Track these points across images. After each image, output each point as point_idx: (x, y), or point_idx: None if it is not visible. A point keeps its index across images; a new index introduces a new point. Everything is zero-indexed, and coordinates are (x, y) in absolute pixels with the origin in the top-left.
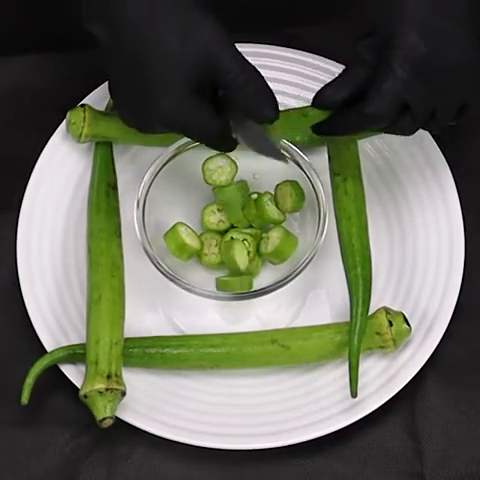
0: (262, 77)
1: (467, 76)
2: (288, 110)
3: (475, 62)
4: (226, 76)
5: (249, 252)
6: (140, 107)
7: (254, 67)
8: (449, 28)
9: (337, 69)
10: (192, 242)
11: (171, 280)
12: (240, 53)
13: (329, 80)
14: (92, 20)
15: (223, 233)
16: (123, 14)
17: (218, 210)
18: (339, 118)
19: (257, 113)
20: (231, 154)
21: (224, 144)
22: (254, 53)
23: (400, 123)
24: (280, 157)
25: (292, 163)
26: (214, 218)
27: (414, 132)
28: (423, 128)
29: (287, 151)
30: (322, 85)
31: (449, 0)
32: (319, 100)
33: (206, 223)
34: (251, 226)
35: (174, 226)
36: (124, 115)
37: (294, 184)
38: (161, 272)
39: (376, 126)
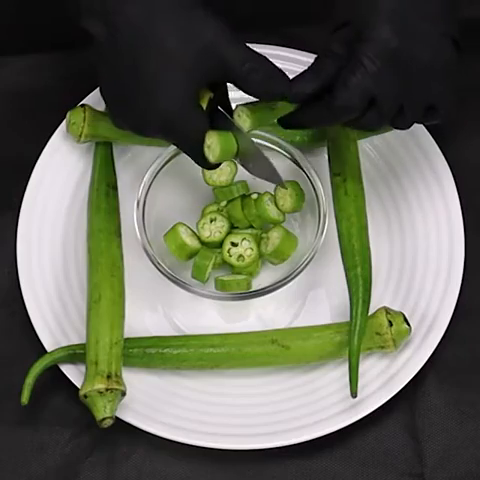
0: (271, 62)
1: (436, 76)
2: (254, 103)
3: (445, 63)
4: (234, 67)
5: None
6: (134, 109)
7: (262, 55)
8: (422, 26)
9: None
10: (192, 242)
11: (171, 280)
12: (245, 44)
13: None
14: (89, 18)
15: (219, 245)
16: (122, 13)
17: (211, 221)
18: (307, 111)
19: (272, 92)
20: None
21: (208, 163)
22: None
23: (367, 117)
24: (279, 180)
25: (292, 163)
26: (207, 231)
27: (380, 127)
28: (391, 125)
29: (287, 151)
30: None
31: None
32: (288, 93)
33: (201, 237)
34: (251, 226)
35: (174, 226)
36: (117, 116)
37: (294, 184)
38: (161, 272)
39: (343, 119)
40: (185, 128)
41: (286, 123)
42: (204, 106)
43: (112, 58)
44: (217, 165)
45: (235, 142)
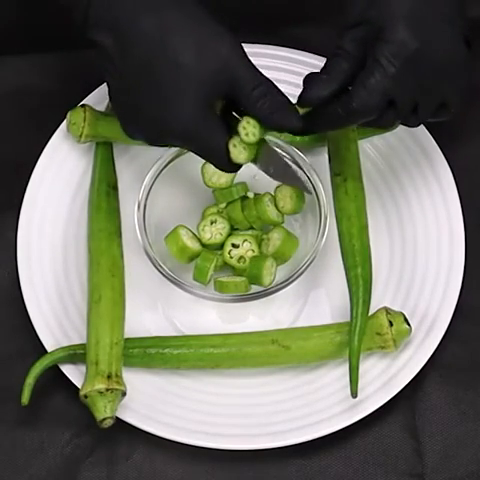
0: (279, 89)
1: (452, 75)
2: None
3: (460, 62)
4: (245, 90)
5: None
6: (149, 121)
7: (272, 82)
8: (438, 27)
9: None
10: (193, 245)
11: (172, 282)
12: (255, 66)
13: None
14: (97, 28)
15: (220, 247)
16: (134, 25)
17: (211, 223)
18: (322, 114)
19: (279, 124)
20: None
21: (231, 166)
22: (254, 53)
23: (384, 118)
24: (304, 186)
25: (292, 164)
26: (208, 233)
27: (395, 126)
28: (402, 123)
29: (287, 152)
30: None
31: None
32: (305, 98)
33: (202, 240)
34: (252, 227)
35: (175, 229)
36: (129, 126)
37: (294, 186)
38: (162, 274)
39: (361, 121)
40: (205, 138)
41: (313, 125)
42: (218, 111)
43: (124, 70)
44: (237, 169)
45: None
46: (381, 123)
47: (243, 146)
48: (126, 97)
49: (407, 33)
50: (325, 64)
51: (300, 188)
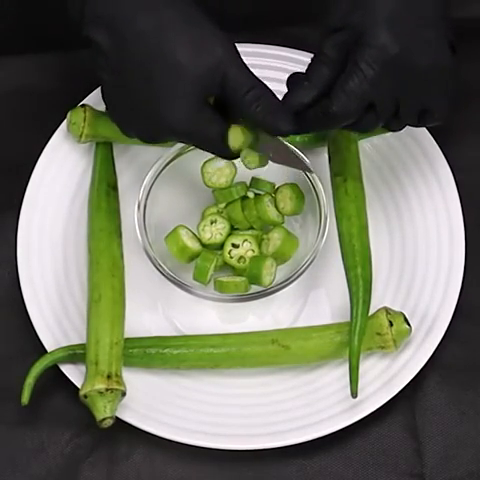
0: (272, 92)
1: (434, 80)
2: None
3: (443, 68)
4: (238, 93)
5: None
6: (145, 118)
7: (264, 85)
8: (420, 31)
9: None
10: (193, 245)
11: (172, 282)
12: (248, 68)
13: None
14: (94, 26)
15: (220, 247)
16: (131, 24)
17: (211, 222)
18: (304, 117)
19: (272, 127)
20: None
21: (230, 153)
22: (254, 53)
23: (364, 121)
24: (303, 166)
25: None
26: (208, 233)
27: (374, 129)
28: (384, 126)
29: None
30: None
31: (421, 3)
32: (288, 104)
33: (202, 240)
34: (252, 227)
35: (175, 229)
36: (124, 124)
37: (294, 187)
38: (162, 274)
39: (341, 124)
40: (201, 130)
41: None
42: (211, 101)
43: (120, 68)
44: (238, 155)
45: (248, 131)
46: (361, 126)
47: (241, 131)
48: (121, 95)
49: (388, 37)
50: (307, 69)
51: (302, 169)
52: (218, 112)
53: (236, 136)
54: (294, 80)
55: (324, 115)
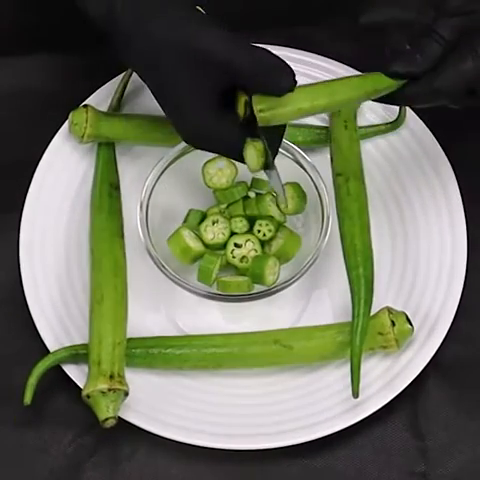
0: (271, 53)
1: None
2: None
3: None
4: (234, 69)
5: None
6: (171, 121)
7: (261, 48)
8: None
9: (337, 68)
10: (196, 246)
11: (175, 282)
12: (242, 40)
13: None
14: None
15: (223, 247)
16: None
17: (213, 223)
18: (410, 88)
19: (273, 85)
20: None
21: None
22: None
23: (462, 104)
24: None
25: (294, 163)
26: (210, 233)
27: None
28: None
29: (289, 151)
30: None
31: None
32: (395, 70)
33: (205, 240)
34: (250, 231)
35: (177, 230)
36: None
37: (295, 186)
38: (165, 274)
39: (438, 102)
40: (216, 141)
41: (388, 99)
42: (241, 109)
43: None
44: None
45: (265, 153)
46: (455, 105)
47: (256, 153)
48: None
49: None
50: (415, 44)
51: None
52: (234, 117)
53: (252, 157)
54: (402, 52)
55: (428, 90)
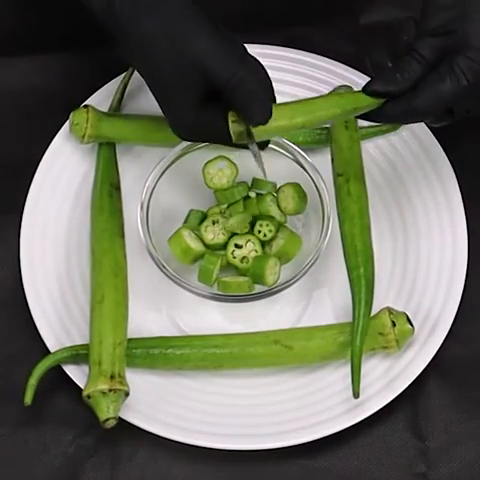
0: (256, 77)
1: None
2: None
3: None
4: (220, 82)
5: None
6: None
7: (252, 65)
8: None
9: (338, 69)
10: (196, 246)
11: (176, 282)
12: (234, 52)
13: (330, 80)
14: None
15: (223, 247)
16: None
17: (213, 223)
18: (389, 107)
19: (247, 117)
20: (231, 156)
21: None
22: (254, 53)
23: (437, 123)
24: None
25: (295, 164)
26: (211, 233)
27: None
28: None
29: (290, 152)
30: (323, 85)
31: None
32: (374, 90)
33: (205, 240)
34: (250, 232)
35: (178, 230)
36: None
37: (296, 186)
38: (165, 274)
39: (417, 121)
40: (207, 131)
41: (368, 117)
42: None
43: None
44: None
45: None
46: (432, 123)
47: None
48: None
49: None
50: (398, 63)
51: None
52: (217, 105)
53: (233, 125)
54: (380, 66)
55: (406, 109)
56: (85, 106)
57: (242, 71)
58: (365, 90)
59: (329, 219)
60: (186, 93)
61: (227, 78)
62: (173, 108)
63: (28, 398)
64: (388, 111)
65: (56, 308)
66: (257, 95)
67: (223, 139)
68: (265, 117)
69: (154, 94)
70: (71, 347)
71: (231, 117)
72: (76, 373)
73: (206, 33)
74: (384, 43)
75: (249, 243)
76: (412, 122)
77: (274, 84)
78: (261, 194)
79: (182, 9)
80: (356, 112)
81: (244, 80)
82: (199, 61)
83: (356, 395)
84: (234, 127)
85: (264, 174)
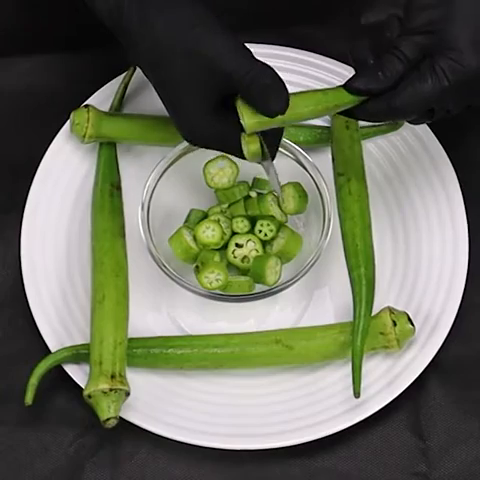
0: (270, 72)
1: None
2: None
3: None
4: (234, 81)
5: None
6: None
7: (262, 64)
8: None
9: (338, 68)
10: (197, 245)
11: (176, 282)
12: (245, 52)
13: (330, 80)
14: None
15: (224, 247)
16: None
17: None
18: (370, 105)
19: (265, 108)
20: (231, 156)
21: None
22: (255, 53)
23: (417, 122)
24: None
25: (295, 163)
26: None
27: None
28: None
29: (290, 151)
30: (323, 84)
31: None
32: (355, 87)
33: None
34: (251, 232)
35: (179, 230)
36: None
37: (297, 186)
38: (166, 274)
39: (397, 120)
40: (216, 139)
41: (350, 114)
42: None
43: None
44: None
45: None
46: (412, 122)
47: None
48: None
49: (474, 57)
50: (380, 61)
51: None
52: (230, 115)
53: (247, 146)
54: (362, 62)
55: (387, 107)
56: (86, 106)
57: (256, 67)
58: (347, 87)
59: (330, 219)
60: (200, 95)
61: (242, 75)
62: (185, 112)
63: (29, 398)
64: (369, 109)
65: (57, 308)
66: (274, 86)
67: (234, 152)
68: (280, 107)
69: (164, 98)
70: (72, 347)
71: (245, 138)
72: (77, 373)
73: (220, 34)
74: (367, 39)
75: (250, 242)
76: (395, 120)
77: None
78: (262, 193)
79: (193, 11)
80: (337, 109)
81: (259, 75)
82: (215, 61)
83: (357, 395)
84: (249, 147)
85: (278, 191)
